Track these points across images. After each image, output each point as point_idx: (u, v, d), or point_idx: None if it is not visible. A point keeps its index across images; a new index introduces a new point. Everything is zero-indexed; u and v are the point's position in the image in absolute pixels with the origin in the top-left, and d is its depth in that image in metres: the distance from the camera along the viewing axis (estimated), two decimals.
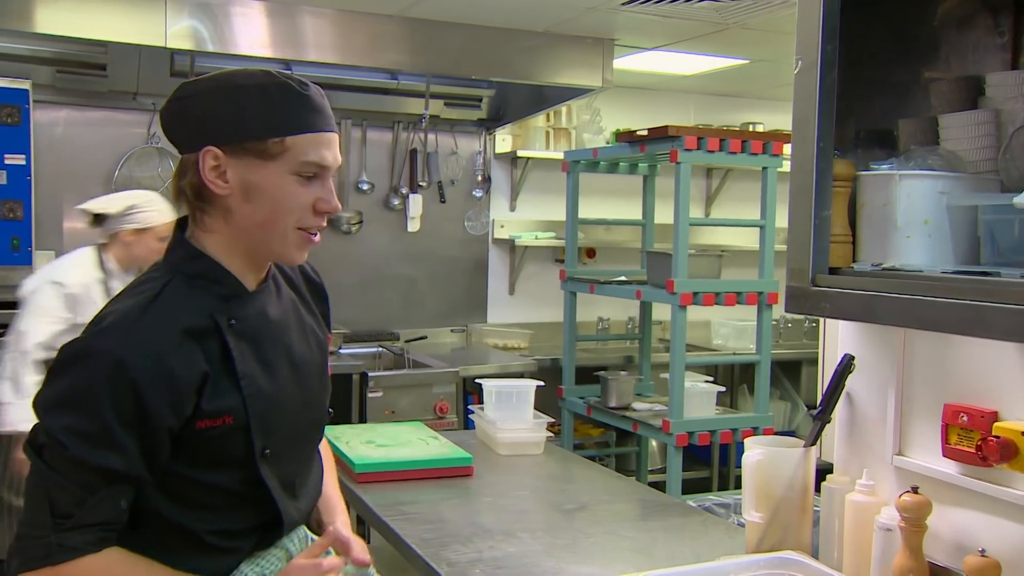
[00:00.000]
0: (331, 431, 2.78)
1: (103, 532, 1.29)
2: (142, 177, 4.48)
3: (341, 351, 4.38)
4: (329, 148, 1.36)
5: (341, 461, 2.54)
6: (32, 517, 1.28)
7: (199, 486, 1.38)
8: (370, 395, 4.09)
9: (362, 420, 4.09)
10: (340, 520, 1.64)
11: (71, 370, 1.28)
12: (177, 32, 3.62)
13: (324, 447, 1.74)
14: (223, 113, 1.34)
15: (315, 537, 1.59)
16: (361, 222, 4.98)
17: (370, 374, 4.18)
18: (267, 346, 1.42)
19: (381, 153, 5.04)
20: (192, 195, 1.39)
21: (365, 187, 4.98)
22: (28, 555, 1.27)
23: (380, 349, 4.70)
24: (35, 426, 1.30)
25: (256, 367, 1.39)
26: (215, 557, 1.41)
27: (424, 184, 5.08)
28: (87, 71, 4.15)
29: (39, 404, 1.30)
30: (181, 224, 1.44)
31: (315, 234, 1.39)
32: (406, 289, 5.10)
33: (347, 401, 4.22)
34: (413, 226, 5.09)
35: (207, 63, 4.14)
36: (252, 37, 3.82)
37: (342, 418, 4.08)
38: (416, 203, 5.05)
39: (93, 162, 4.45)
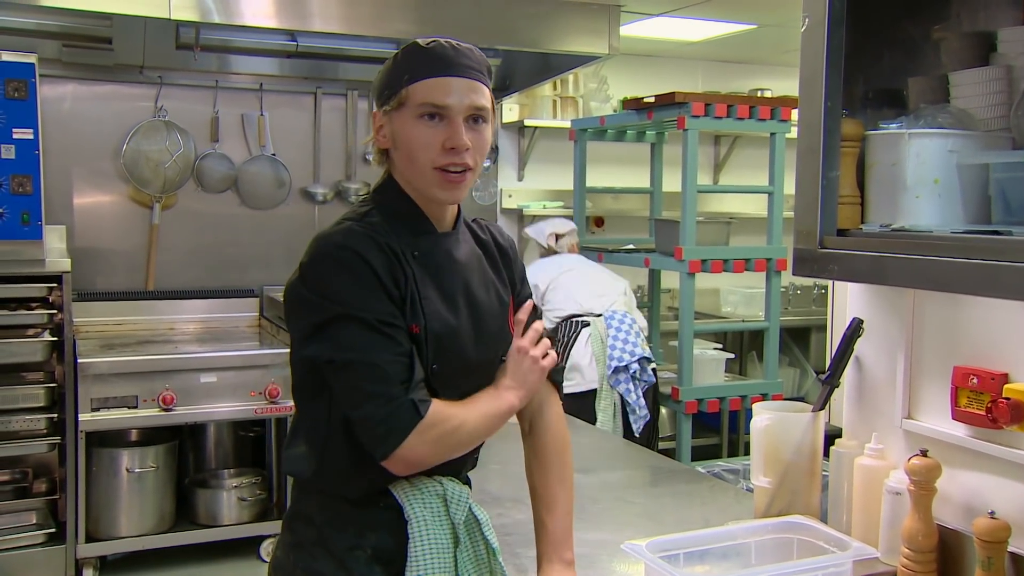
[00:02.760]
0: None
1: (425, 387, 1.45)
2: (150, 150, 4.47)
3: None
4: (448, 91, 1.46)
5: None
6: (376, 400, 1.40)
7: None
8: None
9: None
10: (560, 554, 1.65)
11: (321, 263, 1.45)
12: (181, 3, 3.58)
13: (556, 440, 1.73)
14: (379, 81, 1.54)
15: (466, 492, 1.61)
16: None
17: None
18: (446, 279, 1.55)
19: None
20: (377, 153, 1.59)
21: (372, 158, 4.96)
22: (397, 424, 1.39)
23: None
24: (325, 328, 1.43)
25: (435, 294, 1.52)
26: (372, 471, 1.47)
27: None
28: (92, 44, 4.12)
29: (305, 306, 1.45)
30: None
31: (454, 172, 1.48)
32: None
33: None
34: None
35: (212, 35, 4.11)
36: (257, 7, 3.78)
37: None
38: None
39: (101, 136, 4.44)
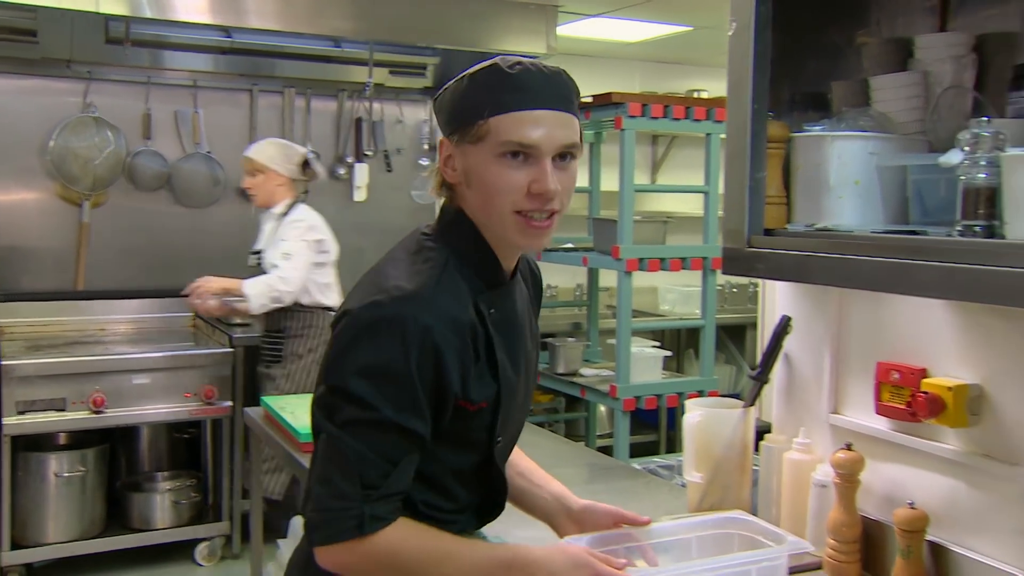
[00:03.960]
0: (275, 401, 2.77)
1: (399, 501, 1.31)
2: (79, 147, 4.37)
3: None
4: (537, 127, 1.29)
5: (285, 430, 2.52)
6: (337, 490, 1.27)
7: (436, 462, 1.37)
8: None
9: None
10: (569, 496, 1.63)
11: (377, 336, 1.27)
12: None
13: None
14: (450, 103, 1.35)
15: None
16: (307, 192, 4.91)
17: None
18: (513, 338, 1.43)
19: (326, 122, 4.97)
20: (439, 183, 1.40)
21: (310, 156, 4.91)
22: (338, 527, 1.27)
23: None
24: (328, 395, 1.30)
25: (506, 358, 1.39)
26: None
27: (370, 153, 5.02)
28: (16, 37, 4.01)
29: (340, 368, 1.29)
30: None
31: (538, 219, 1.32)
32: (352, 259, 5.01)
33: None
34: (359, 195, 5.04)
35: (144, 29, 4.03)
36: (190, 2, 3.72)
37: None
38: (362, 172, 5.00)
39: (26, 132, 4.32)
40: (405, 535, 1.30)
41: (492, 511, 1.51)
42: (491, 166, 1.30)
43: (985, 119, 1.28)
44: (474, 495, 1.47)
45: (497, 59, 1.33)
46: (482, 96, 1.30)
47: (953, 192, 1.32)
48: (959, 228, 1.29)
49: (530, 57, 1.37)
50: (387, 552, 1.28)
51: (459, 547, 1.34)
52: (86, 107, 4.39)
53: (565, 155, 1.33)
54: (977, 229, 1.27)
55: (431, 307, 1.28)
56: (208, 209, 4.68)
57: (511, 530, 1.90)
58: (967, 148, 1.28)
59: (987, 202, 1.26)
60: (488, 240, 1.37)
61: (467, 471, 1.43)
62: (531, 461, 1.70)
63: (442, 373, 1.28)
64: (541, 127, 1.29)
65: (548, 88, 1.32)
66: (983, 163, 1.26)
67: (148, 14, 3.62)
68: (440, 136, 1.38)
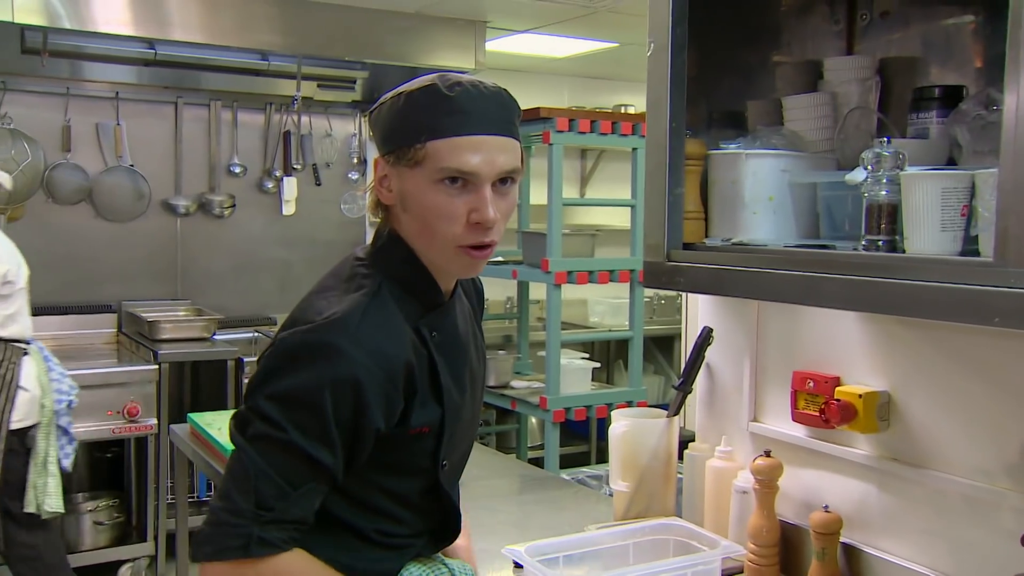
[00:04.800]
0: (201, 418, 2.73)
1: (296, 531, 1.25)
2: None
3: (215, 337, 4.28)
4: (477, 152, 1.23)
5: (212, 447, 2.49)
6: (232, 504, 1.23)
7: (379, 491, 1.36)
8: (245, 381, 4.01)
9: (237, 407, 4.00)
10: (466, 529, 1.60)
11: (297, 362, 1.23)
12: (26, 6, 3.43)
13: None
14: (387, 122, 1.29)
15: (470, 569, 1.53)
16: (234, 206, 4.86)
17: (245, 360, 4.10)
18: (457, 360, 1.39)
19: (253, 135, 4.92)
20: (374, 203, 1.36)
21: (237, 170, 4.86)
22: (224, 544, 1.22)
23: (256, 334, 4.61)
24: (245, 411, 1.26)
25: (450, 381, 1.36)
26: (382, 553, 1.39)
27: (299, 167, 4.98)
28: None
29: (258, 389, 1.25)
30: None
31: (479, 248, 1.28)
32: (282, 273, 5.01)
33: (222, 388, 4.13)
34: (288, 209, 4.99)
35: (62, 40, 3.94)
36: (112, 13, 3.66)
37: (217, 404, 3.99)
38: (291, 186, 4.96)
39: None
40: (296, 565, 1.26)
41: (446, 536, 1.49)
42: (428, 192, 1.25)
43: (886, 139, 1.35)
44: (426, 520, 1.44)
45: (436, 78, 1.27)
46: (420, 118, 1.25)
47: (859, 208, 1.38)
48: (864, 243, 1.35)
49: (462, 73, 1.36)
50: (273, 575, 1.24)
51: None
52: (1, 118, 4.26)
53: (506, 180, 1.28)
54: (880, 244, 1.33)
55: (355, 337, 1.23)
56: (132, 223, 4.58)
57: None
58: (870, 167, 1.34)
59: (889, 218, 1.33)
60: (425, 264, 1.33)
61: (414, 498, 1.40)
62: None
63: (361, 407, 1.23)
64: (481, 153, 1.24)
65: (489, 111, 1.26)
66: (884, 181, 1.33)
67: (67, 25, 3.55)
68: (375, 155, 1.34)
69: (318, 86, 4.80)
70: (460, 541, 1.56)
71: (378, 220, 1.38)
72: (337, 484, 1.28)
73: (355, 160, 5.18)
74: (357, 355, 1.22)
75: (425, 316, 1.33)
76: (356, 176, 5.20)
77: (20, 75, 4.26)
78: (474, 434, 1.55)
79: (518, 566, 1.59)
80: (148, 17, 3.73)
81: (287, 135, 4.93)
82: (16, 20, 3.41)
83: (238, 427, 1.27)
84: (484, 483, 2.45)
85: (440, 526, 1.46)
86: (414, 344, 1.30)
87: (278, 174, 4.95)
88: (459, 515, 1.47)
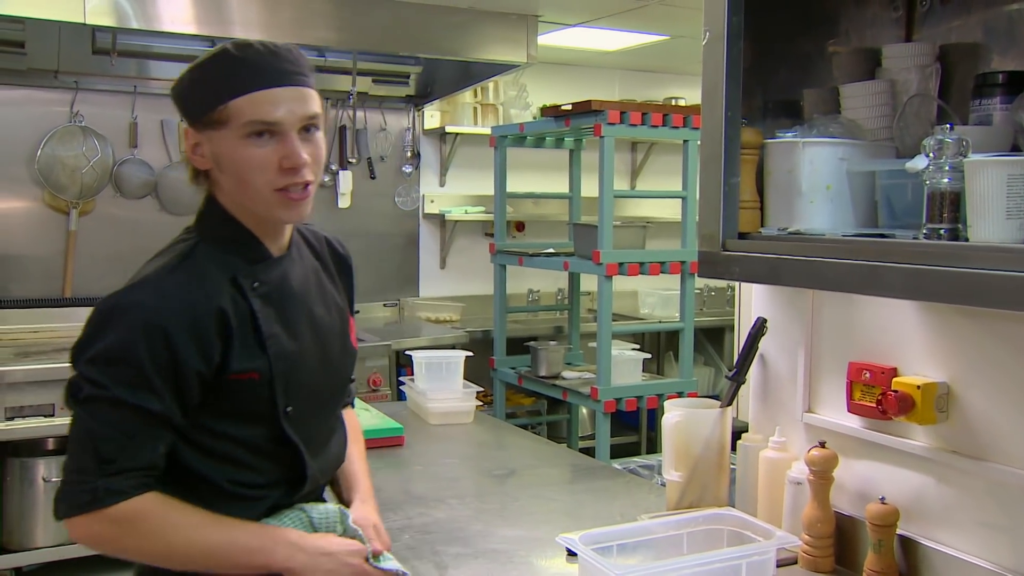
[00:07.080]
0: None
1: (144, 476, 1.34)
2: (66, 156, 4.39)
3: None
4: (275, 104, 1.35)
5: None
6: (77, 464, 1.34)
7: (226, 439, 1.43)
8: None
9: None
10: (360, 493, 1.65)
11: (108, 323, 1.34)
12: (97, 8, 3.52)
13: (352, 419, 1.78)
14: (188, 92, 1.39)
15: (334, 509, 1.57)
16: None
17: None
18: (290, 310, 1.47)
19: None
20: (192, 173, 1.46)
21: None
22: (75, 500, 1.32)
23: None
24: (73, 377, 1.36)
25: (279, 329, 1.44)
26: (237, 505, 1.44)
27: (354, 161, 5.06)
28: (4, 48, 4.01)
29: (79, 355, 1.35)
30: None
31: (295, 192, 1.39)
32: None
33: None
34: (344, 202, 5.07)
35: (130, 40, 4.05)
36: (176, 13, 3.74)
37: None
38: (346, 179, 5.03)
39: (14, 141, 4.34)
40: (150, 507, 1.34)
41: (299, 484, 1.51)
42: (239, 148, 1.35)
43: (948, 126, 1.33)
44: (279, 468, 1.48)
45: (226, 44, 1.38)
46: (218, 82, 1.35)
47: (920, 196, 1.36)
48: (925, 231, 1.33)
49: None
50: (129, 518, 1.32)
51: (210, 520, 1.37)
52: (73, 117, 4.41)
53: (309, 127, 1.39)
54: (942, 232, 1.32)
55: (159, 290, 1.34)
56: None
57: (497, 530, 1.94)
58: (932, 154, 1.33)
59: (951, 206, 1.31)
60: (244, 220, 1.43)
61: (262, 444, 1.45)
62: (357, 452, 1.73)
63: (174, 350, 1.32)
64: (281, 104, 1.35)
65: (282, 65, 1.37)
66: (947, 168, 1.31)
67: (135, 25, 3.64)
68: (185, 126, 1.41)
69: (373, 81, 4.86)
70: (358, 507, 1.60)
71: (200, 189, 1.47)
72: (175, 426, 1.37)
73: (408, 154, 5.24)
74: (161, 304, 1.33)
75: (246, 268, 1.42)
76: (410, 170, 5.26)
77: (91, 75, 4.39)
78: (332, 384, 1.58)
79: (571, 554, 1.59)
80: (210, 16, 3.81)
81: (343, 129, 5.01)
82: (88, 22, 3.51)
83: (71, 394, 1.36)
84: (536, 472, 2.47)
85: (292, 474, 1.50)
86: (231, 294, 1.39)
87: (334, 168, 5.02)
88: (304, 461, 1.49)
